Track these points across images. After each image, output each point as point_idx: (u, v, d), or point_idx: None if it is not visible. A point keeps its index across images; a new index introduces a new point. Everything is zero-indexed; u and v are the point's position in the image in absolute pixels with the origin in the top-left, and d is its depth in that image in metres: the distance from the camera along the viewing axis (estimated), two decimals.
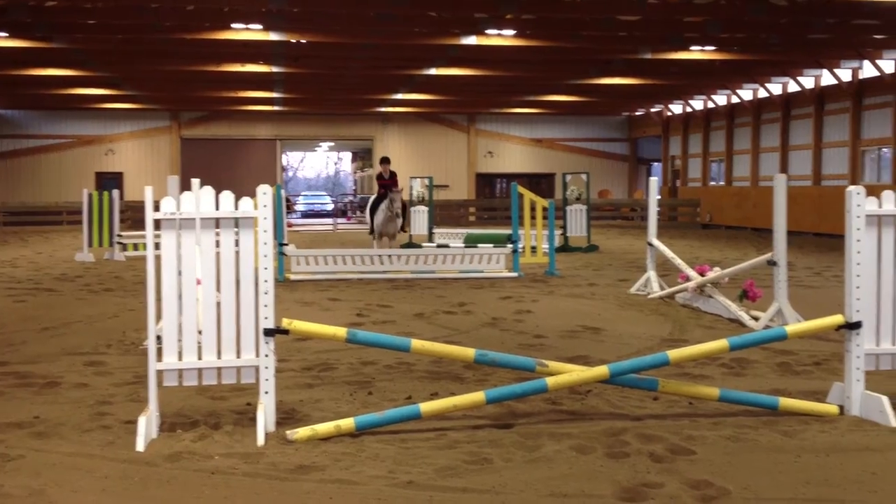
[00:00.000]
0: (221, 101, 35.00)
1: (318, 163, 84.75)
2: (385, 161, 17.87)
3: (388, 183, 17.07)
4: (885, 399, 5.63)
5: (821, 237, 24.71)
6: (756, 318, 9.57)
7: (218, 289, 5.49)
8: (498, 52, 24.15)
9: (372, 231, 17.74)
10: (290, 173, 77.85)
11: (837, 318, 5.88)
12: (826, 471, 4.73)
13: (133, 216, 29.37)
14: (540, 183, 39.71)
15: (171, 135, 38.99)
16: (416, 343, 5.75)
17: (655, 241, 12.32)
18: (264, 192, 5.43)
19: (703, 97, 34.25)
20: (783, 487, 4.47)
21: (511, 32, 22.21)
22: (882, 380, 6.26)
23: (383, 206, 16.76)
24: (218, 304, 5.47)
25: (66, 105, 35.89)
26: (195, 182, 8.87)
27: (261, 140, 40.11)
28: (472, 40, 22.54)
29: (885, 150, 25.30)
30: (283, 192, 17.31)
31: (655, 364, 5.90)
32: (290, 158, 74.74)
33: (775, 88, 29.98)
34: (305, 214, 47.79)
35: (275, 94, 33.05)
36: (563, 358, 7.12)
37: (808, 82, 28.26)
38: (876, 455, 4.99)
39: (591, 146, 41.73)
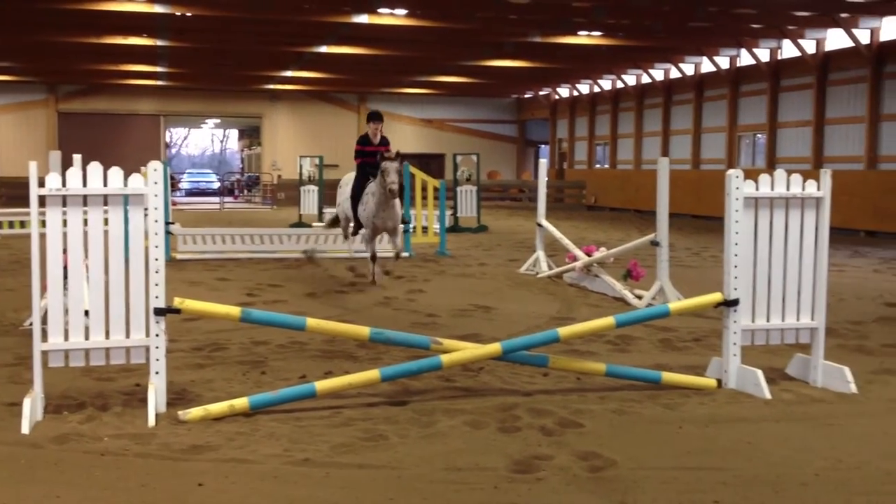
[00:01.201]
0: (102, 74, 33.76)
1: (204, 140, 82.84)
2: (375, 118, 11.41)
3: (374, 151, 11.10)
4: (759, 372, 5.93)
5: (699, 219, 25.63)
6: (639, 297, 9.91)
7: (106, 267, 5.36)
8: (389, 32, 24.07)
9: (356, 231, 11.85)
10: (174, 150, 75.83)
11: (717, 296, 6.15)
12: (705, 441, 4.97)
13: (7, 192, 28.10)
14: (430, 163, 39.85)
15: (48, 109, 37.43)
16: (311, 322, 5.75)
17: (544, 222, 12.58)
18: (155, 168, 5.31)
19: (590, 81, 34.96)
20: (666, 457, 4.68)
21: (403, 12, 22.16)
22: (757, 355, 6.58)
23: (373, 184, 10.91)
24: (106, 283, 5.34)
25: None
26: (77, 158, 8.57)
27: (143, 115, 38.90)
28: (363, 19, 22.39)
29: (759, 135, 26.39)
30: (167, 170, 16.88)
31: (546, 341, 6.07)
32: (173, 135, 72.79)
33: (658, 74, 30.85)
34: (190, 193, 46.67)
35: (159, 69, 32.07)
36: (455, 336, 7.22)
37: (688, 69, 29.18)
38: (751, 425, 5.27)
39: (480, 127, 42.11)
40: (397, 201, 10.83)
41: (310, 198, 23.58)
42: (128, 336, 5.38)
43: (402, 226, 11.55)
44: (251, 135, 51.78)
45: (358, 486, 4.24)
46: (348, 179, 11.98)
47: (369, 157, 11.16)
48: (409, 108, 41.02)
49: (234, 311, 5.62)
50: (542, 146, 43.22)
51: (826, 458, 4.67)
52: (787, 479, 4.37)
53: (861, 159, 21.78)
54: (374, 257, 11.21)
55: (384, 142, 11.29)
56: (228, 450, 4.70)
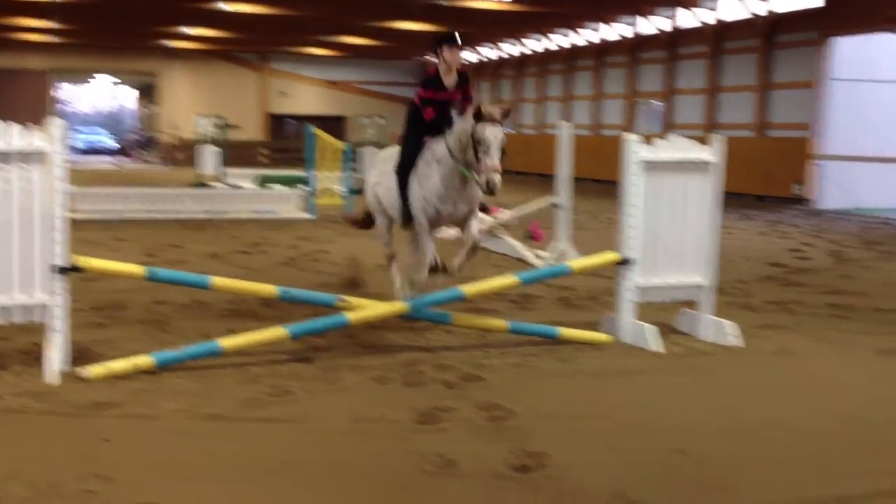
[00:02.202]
0: None
1: (97, 98, 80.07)
2: (450, 41, 6.62)
3: (450, 99, 6.72)
4: (651, 327, 6.22)
5: (599, 183, 26.15)
6: (540, 257, 10.16)
7: (7, 226, 5.25)
8: None
9: (405, 223, 7.07)
10: (65, 108, 73.02)
11: (614, 256, 6.40)
12: (598, 391, 5.22)
13: None
14: (333, 125, 39.52)
15: None
16: (217, 280, 5.76)
17: None
18: (58, 126, 5.21)
19: (494, 46, 35.14)
20: (562, 406, 4.91)
21: None
22: (651, 311, 6.87)
23: (440, 146, 6.52)
24: (7, 242, 5.23)
25: None
26: None
27: (32, 72, 37.38)
28: None
29: (657, 102, 27.05)
30: None
31: (451, 299, 6.23)
32: (64, 92, 70.01)
33: (561, 41, 31.22)
34: (83, 151, 45.18)
35: (49, 24, 30.82)
36: (360, 295, 7.31)
37: (590, 36, 29.62)
38: (642, 377, 5.55)
39: (384, 90, 41.89)
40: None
41: (208, 158, 23.21)
42: (29, 295, 5.29)
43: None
44: (148, 93, 50.29)
45: (265, 439, 4.32)
46: (388, 155, 7.37)
47: (442, 107, 6.64)
48: (313, 69, 40.50)
49: (139, 269, 5.60)
50: None
51: (712, 405, 4.96)
52: (675, 424, 4.64)
53: (752, 126, 22.57)
54: (437, 266, 6.60)
55: (463, 80, 6.75)
56: (133, 406, 4.71)
